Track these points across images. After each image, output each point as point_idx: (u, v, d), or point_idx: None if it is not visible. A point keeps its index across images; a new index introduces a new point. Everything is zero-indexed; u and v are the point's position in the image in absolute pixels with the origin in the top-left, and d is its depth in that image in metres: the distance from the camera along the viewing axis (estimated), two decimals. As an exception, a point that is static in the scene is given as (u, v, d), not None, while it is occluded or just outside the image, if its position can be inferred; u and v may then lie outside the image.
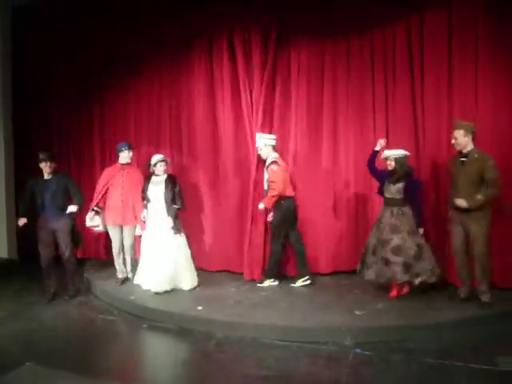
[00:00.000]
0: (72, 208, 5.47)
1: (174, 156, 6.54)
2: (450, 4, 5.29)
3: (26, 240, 7.26)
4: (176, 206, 5.52)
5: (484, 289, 4.66)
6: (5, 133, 7.30)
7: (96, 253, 7.18)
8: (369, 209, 5.86)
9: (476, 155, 4.50)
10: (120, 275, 5.95)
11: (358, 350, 4.09)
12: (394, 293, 5.07)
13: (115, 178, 5.82)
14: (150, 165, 5.67)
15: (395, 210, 4.98)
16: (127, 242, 5.88)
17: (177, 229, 5.50)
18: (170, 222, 5.46)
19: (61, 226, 5.53)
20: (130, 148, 5.87)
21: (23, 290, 6.06)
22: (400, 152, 4.95)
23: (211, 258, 6.34)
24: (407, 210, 4.97)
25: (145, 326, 4.81)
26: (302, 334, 4.38)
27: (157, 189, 5.57)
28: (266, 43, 5.94)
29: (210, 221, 6.41)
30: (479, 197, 4.45)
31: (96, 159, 7.17)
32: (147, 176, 5.72)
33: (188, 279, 5.55)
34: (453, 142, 4.59)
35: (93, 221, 5.84)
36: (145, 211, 5.62)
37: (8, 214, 7.27)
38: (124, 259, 5.99)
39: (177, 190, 5.59)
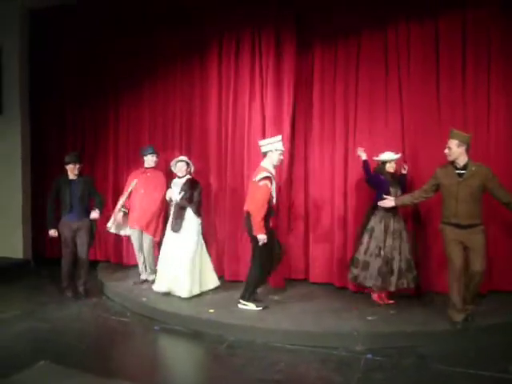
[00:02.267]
0: (95, 214, 5.68)
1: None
2: (464, 7, 5.30)
3: (39, 242, 7.43)
4: (186, 205, 5.50)
5: (472, 302, 4.55)
6: (22, 137, 7.39)
7: (107, 255, 7.24)
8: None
9: (474, 168, 4.33)
10: (142, 276, 6.04)
11: (369, 356, 4.09)
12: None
13: (138, 182, 5.91)
14: (171, 166, 5.75)
15: (398, 214, 5.08)
16: (145, 246, 5.94)
17: (179, 227, 5.47)
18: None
19: (83, 227, 5.68)
20: (153, 152, 5.95)
21: (37, 289, 6.16)
22: (397, 154, 5.14)
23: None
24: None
25: (157, 328, 4.84)
26: (313, 338, 4.38)
27: (174, 190, 5.60)
28: (279, 46, 5.98)
29: (221, 226, 6.36)
30: None
31: (110, 160, 7.21)
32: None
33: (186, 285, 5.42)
34: (446, 151, 4.41)
35: (118, 226, 5.99)
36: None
37: (24, 218, 7.36)
38: (144, 261, 6.02)
39: (195, 193, 5.55)
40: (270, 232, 4.88)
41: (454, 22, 5.37)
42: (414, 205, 5.08)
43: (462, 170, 4.36)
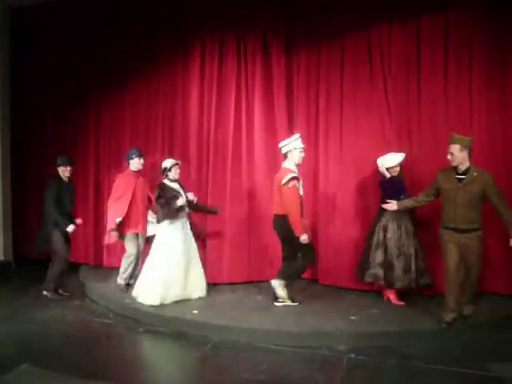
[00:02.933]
0: (80, 221, 5.74)
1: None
2: (446, 8, 5.37)
3: (19, 243, 7.33)
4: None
5: (470, 301, 4.55)
6: (2, 139, 7.25)
7: (86, 258, 7.19)
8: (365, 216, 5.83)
9: (475, 173, 4.25)
10: (125, 282, 5.78)
11: (352, 355, 4.11)
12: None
13: (134, 186, 5.72)
14: (164, 169, 5.37)
15: (411, 213, 5.12)
16: (140, 249, 5.83)
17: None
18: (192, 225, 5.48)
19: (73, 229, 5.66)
20: (140, 155, 5.80)
21: (19, 291, 6.07)
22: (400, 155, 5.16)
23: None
24: None
25: (141, 329, 4.81)
26: (297, 338, 4.40)
27: (181, 194, 5.35)
28: (265, 50, 6.05)
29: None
30: None
31: (90, 161, 7.13)
32: (160, 183, 5.38)
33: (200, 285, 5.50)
34: (448, 157, 4.31)
35: (114, 235, 5.70)
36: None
37: (4, 220, 7.23)
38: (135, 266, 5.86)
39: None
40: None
41: (437, 23, 5.43)
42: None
43: (462, 174, 4.29)
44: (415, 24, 5.53)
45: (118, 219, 5.56)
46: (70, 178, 5.76)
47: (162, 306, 5.07)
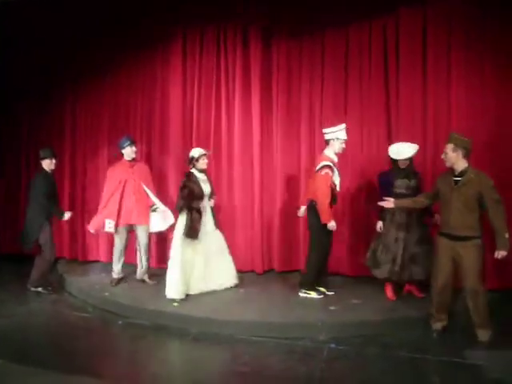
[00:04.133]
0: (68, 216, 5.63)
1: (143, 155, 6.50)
2: (424, 4, 5.41)
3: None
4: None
5: (484, 325, 4.08)
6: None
7: (61, 252, 6.97)
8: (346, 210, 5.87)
9: (472, 175, 3.96)
10: (117, 276, 5.66)
11: (332, 345, 4.15)
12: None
13: (126, 177, 5.51)
14: (191, 158, 5.17)
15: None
16: (144, 241, 5.61)
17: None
18: (214, 216, 5.34)
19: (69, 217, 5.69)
20: (132, 143, 5.55)
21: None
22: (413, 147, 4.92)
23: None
24: None
25: (120, 322, 4.78)
26: (278, 329, 4.41)
27: (206, 186, 5.20)
28: (244, 40, 6.02)
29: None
30: (507, 235, 3.90)
31: (65, 154, 6.94)
32: (188, 173, 5.18)
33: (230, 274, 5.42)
34: (442, 156, 4.10)
35: (110, 226, 5.48)
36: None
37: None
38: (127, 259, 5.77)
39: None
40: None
41: (415, 19, 5.47)
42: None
43: (459, 176, 4.02)
44: (394, 19, 5.57)
45: (109, 221, 5.44)
46: (52, 171, 5.66)
47: (143, 298, 5.05)
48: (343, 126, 4.97)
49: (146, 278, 5.67)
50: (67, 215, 5.57)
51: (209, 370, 3.80)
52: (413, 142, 5.39)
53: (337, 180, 4.94)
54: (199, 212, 5.06)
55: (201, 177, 5.18)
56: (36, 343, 4.27)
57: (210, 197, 5.28)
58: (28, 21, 6.86)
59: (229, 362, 3.95)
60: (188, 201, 5.01)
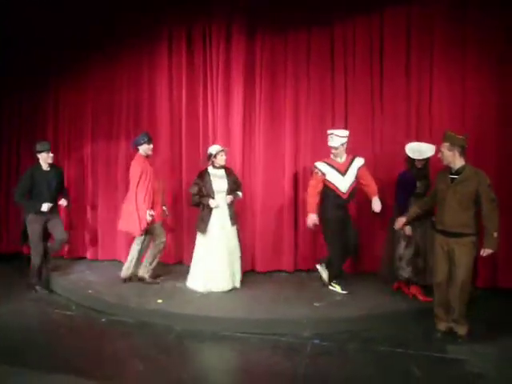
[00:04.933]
0: (65, 202, 5.56)
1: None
2: (408, 4, 5.46)
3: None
4: (239, 194, 5.43)
5: (461, 320, 4.13)
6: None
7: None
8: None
9: (468, 173, 3.96)
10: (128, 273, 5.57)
11: (316, 341, 4.18)
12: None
13: (150, 174, 5.41)
14: (209, 155, 5.25)
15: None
16: (163, 239, 5.57)
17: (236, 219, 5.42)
18: (232, 213, 5.32)
19: (55, 215, 5.57)
20: (150, 140, 5.47)
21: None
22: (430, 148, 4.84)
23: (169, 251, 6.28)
24: None
25: (103, 320, 4.75)
26: (262, 326, 4.43)
27: (221, 181, 5.25)
28: (228, 37, 6.01)
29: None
30: (496, 234, 3.91)
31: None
32: (201, 171, 5.31)
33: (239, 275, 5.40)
34: (439, 155, 4.11)
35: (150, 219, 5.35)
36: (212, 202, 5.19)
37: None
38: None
39: (238, 180, 5.47)
40: (338, 218, 5.05)
41: (399, 18, 5.52)
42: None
43: (455, 174, 4.02)
44: (378, 17, 5.61)
45: (150, 212, 5.34)
46: (52, 165, 5.58)
47: (127, 295, 5.04)
48: (330, 131, 5.06)
49: (147, 276, 5.57)
50: (45, 206, 5.36)
51: (192, 368, 3.79)
52: (396, 138, 5.50)
53: (335, 181, 5.03)
54: (209, 208, 5.17)
55: (218, 173, 5.27)
56: (19, 342, 4.21)
57: (230, 193, 5.30)
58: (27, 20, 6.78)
59: (212, 358, 3.96)
60: (198, 197, 5.21)
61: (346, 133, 5.06)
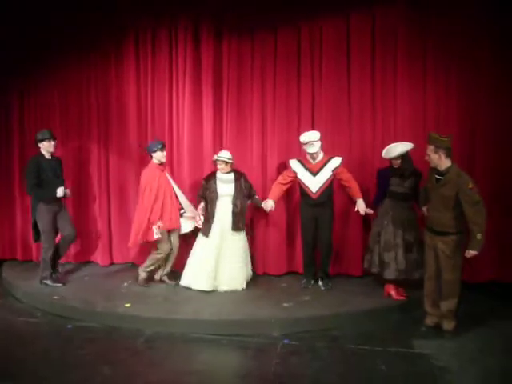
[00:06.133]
0: (63, 191, 5.34)
1: (102, 148, 6.37)
2: (372, 7, 5.57)
3: None
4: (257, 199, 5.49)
5: (449, 315, 4.26)
6: None
7: (13, 253, 6.77)
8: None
9: (451, 176, 4.01)
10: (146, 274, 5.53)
11: (285, 341, 4.22)
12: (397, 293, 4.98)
13: (163, 182, 5.35)
14: (215, 161, 5.34)
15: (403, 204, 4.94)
16: (177, 244, 5.55)
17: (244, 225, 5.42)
18: (237, 218, 5.28)
19: (61, 208, 5.47)
20: (163, 147, 5.39)
21: None
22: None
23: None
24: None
25: (70, 326, 4.65)
26: (232, 327, 4.44)
27: (226, 186, 5.30)
28: (196, 37, 5.99)
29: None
30: (479, 237, 3.95)
31: (14, 149, 6.67)
32: (211, 172, 5.46)
33: (243, 278, 5.39)
34: (426, 158, 4.16)
35: (157, 232, 5.28)
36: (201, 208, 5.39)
37: None
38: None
39: (249, 184, 5.47)
40: (309, 217, 5.26)
41: (364, 22, 5.61)
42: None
43: (441, 175, 4.09)
44: (345, 20, 5.67)
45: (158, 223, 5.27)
46: (53, 154, 5.46)
47: (93, 300, 4.93)
48: (307, 140, 5.13)
49: (165, 278, 5.56)
50: (60, 191, 5.26)
51: (163, 371, 3.76)
52: (363, 139, 5.59)
53: (306, 181, 5.19)
54: (212, 209, 5.28)
55: (224, 177, 5.33)
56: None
57: (237, 198, 5.30)
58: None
59: (182, 361, 3.93)
60: (198, 202, 5.43)
61: (318, 135, 5.16)
